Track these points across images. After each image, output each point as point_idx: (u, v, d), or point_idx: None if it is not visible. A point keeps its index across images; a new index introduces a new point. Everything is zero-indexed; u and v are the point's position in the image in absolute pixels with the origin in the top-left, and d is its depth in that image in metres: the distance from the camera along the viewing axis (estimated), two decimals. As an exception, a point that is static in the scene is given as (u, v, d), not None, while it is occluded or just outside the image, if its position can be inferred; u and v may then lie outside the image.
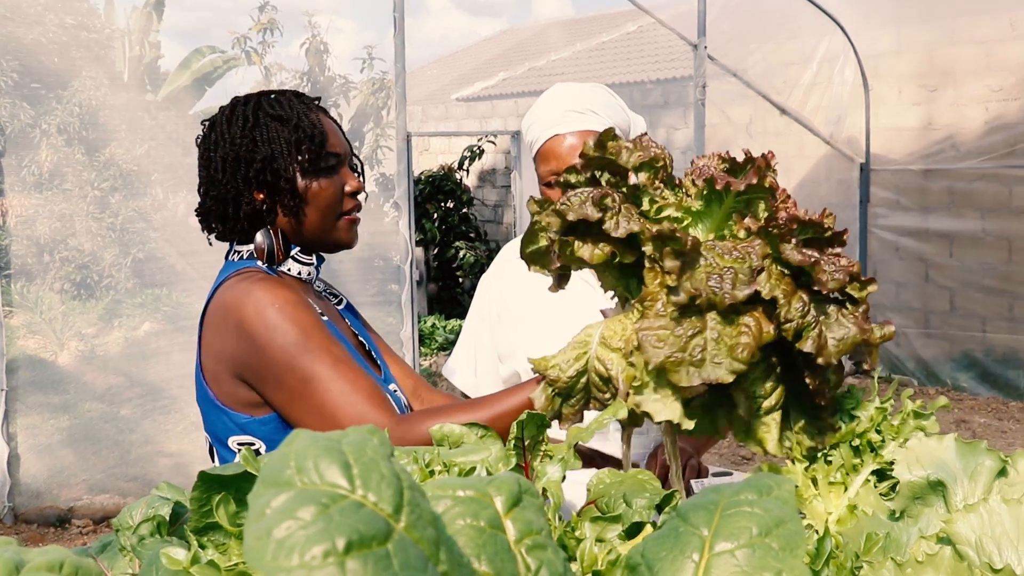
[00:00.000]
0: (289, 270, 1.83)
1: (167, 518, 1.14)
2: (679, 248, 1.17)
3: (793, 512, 0.71)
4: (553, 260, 1.26)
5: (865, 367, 1.31)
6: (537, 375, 1.56)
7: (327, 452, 0.49)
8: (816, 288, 1.19)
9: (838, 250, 1.24)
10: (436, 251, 9.84)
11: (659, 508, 1.14)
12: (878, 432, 1.34)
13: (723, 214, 1.23)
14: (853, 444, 1.34)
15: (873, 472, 1.42)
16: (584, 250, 1.20)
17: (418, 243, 9.15)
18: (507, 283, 2.30)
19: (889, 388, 1.44)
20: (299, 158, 1.78)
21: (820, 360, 1.20)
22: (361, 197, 1.88)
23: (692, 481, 1.96)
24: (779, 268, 1.20)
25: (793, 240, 1.20)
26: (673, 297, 1.17)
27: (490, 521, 0.60)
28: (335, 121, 1.89)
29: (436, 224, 9.84)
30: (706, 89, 6.57)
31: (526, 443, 1.24)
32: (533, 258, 1.31)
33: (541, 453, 1.26)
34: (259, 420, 1.75)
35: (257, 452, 1.77)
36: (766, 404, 1.26)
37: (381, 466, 0.49)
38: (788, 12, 7.56)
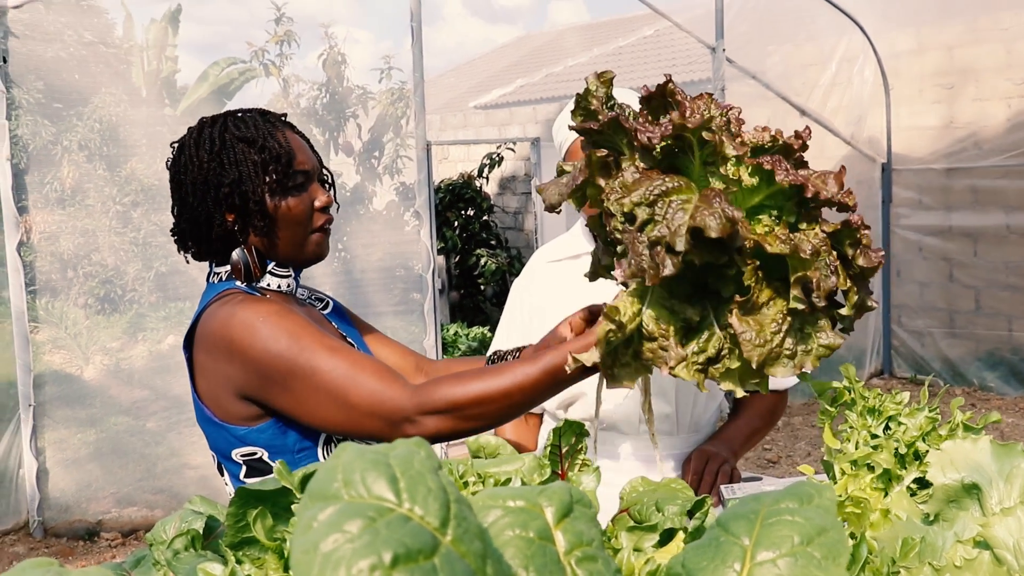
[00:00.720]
0: (268, 285, 1.86)
1: (201, 532, 1.14)
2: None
3: (835, 520, 0.70)
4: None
5: None
6: (554, 345, 1.56)
7: (374, 465, 0.49)
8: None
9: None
10: (457, 259, 9.84)
11: (690, 514, 1.14)
12: (924, 441, 1.33)
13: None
14: (899, 452, 1.33)
15: (914, 480, 1.40)
16: None
17: (439, 251, 9.16)
18: (538, 288, 2.31)
19: (936, 396, 1.43)
20: (267, 179, 1.80)
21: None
22: (333, 210, 1.91)
23: (722, 487, 1.95)
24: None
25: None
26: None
27: (540, 532, 0.59)
28: (303, 136, 1.91)
29: (457, 232, 9.84)
30: (725, 92, 6.55)
31: (563, 451, 1.24)
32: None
33: (579, 463, 1.26)
34: (257, 429, 1.78)
35: (260, 460, 1.80)
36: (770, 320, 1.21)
37: (428, 479, 0.49)
38: (806, 13, 7.54)
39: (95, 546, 5.16)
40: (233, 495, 0.99)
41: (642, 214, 1.12)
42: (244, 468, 1.82)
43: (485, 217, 10.13)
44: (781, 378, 1.22)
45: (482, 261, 9.54)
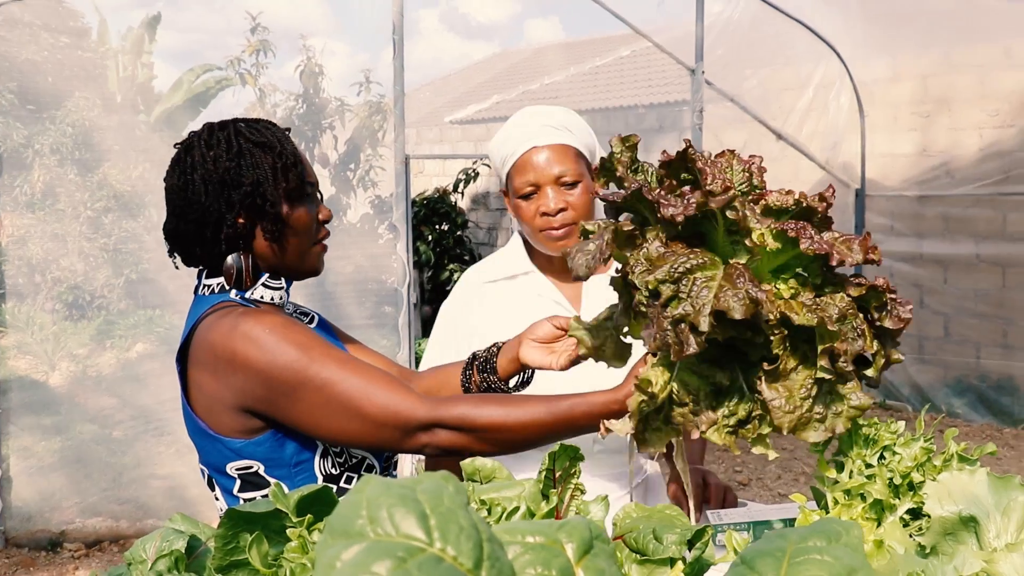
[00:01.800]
0: (262, 297, 1.84)
1: (184, 553, 1.10)
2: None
3: (863, 559, 0.68)
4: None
5: None
6: (569, 395, 1.57)
7: (402, 500, 0.46)
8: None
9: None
10: (431, 273, 9.81)
11: (690, 544, 1.11)
12: (919, 471, 1.31)
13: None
14: (893, 482, 1.31)
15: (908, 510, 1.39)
16: None
17: (413, 266, 9.12)
18: (475, 310, 2.28)
19: (931, 426, 1.41)
20: (284, 184, 1.80)
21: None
22: (328, 225, 1.92)
23: (708, 511, 1.93)
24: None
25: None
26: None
27: (562, 570, 0.57)
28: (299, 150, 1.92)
29: (431, 247, 9.82)
30: (703, 114, 6.57)
31: (557, 474, 1.21)
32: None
33: (572, 487, 1.23)
34: (254, 442, 1.75)
35: (256, 473, 1.77)
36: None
37: (459, 516, 0.46)
38: (784, 38, 7.58)
39: (58, 557, 5.06)
40: (222, 516, 0.96)
41: (667, 291, 1.15)
42: (238, 482, 1.78)
43: (459, 232, 10.11)
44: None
45: (455, 276, 9.52)
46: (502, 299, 2.24)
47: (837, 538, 0.70)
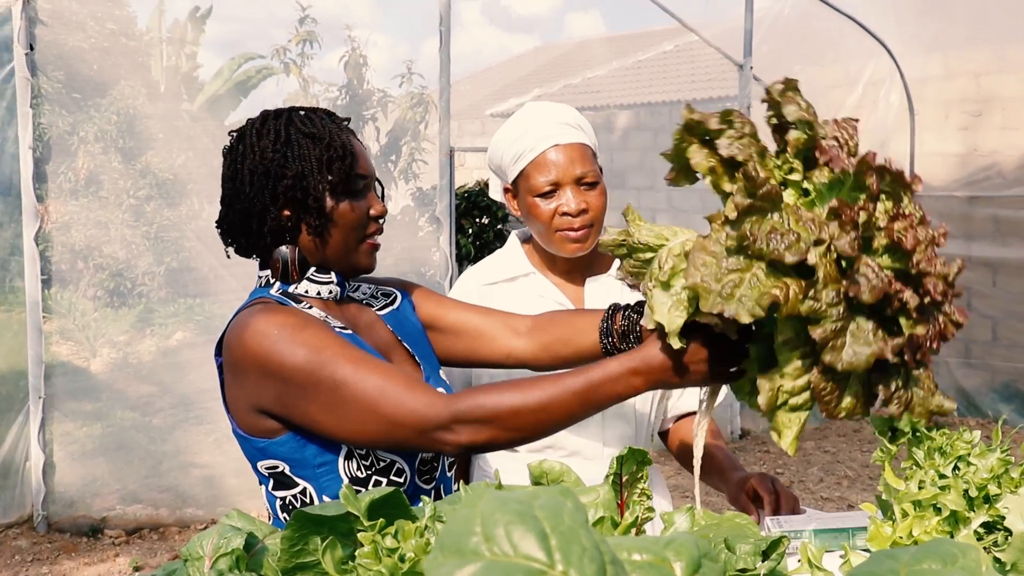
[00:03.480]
0: (307, 292, 1.80)
1: (243, 551, 1.07)
2: (751, 189, 1.22)
3: (982, 584, 0.64)
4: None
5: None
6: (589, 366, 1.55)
7: (520, 518, 0.42)
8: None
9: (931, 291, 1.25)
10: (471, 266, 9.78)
11: (765, 555, 1.07)
12: (996, 483, 1.26)
13: (844, 192, 1.26)
14: (968, 493, 1.26)
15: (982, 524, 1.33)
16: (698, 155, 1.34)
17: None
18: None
19: (1007, 436, 1.36)
20: (328, 177, 1.75)
21: (827, 359, 1.21)
22: (383, 221, 1.85)
23: (768, 518, 1.88)
24: (835, 256, 1.22)
25: (877, 245, 1.25)
26: (728, 230, 1.24)
27: (672, 592, 0.53)
28: (362, 144, 1.87)
29: (471, 240, 9.79)
30: (751, 110, 6.49)
31: (624, 479, 1.17)
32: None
33: (638, 491, 1.19)
34: (276, 443, 1.72)
35: (283, 473, 1.74)
36: (790, 387, 1.28)
37: (581, 537, 0.43)
38: (834, 34, 7.48)
39: (98, 543, 5.09)
40: (290, 518, 0.93)
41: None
42: (271, 481, 1.76)
43: (500, 226, 10.07)
44: None
45: (494, 270, 9.46)
46: (504, 301, 2.18)
47: (953, 561, 0.65)
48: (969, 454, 1.43)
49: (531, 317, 1.94)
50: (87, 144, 5.77)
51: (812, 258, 1.21)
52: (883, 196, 1.29)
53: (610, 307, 1.80)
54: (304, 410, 1.65)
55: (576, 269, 2.25)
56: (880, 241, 1.25)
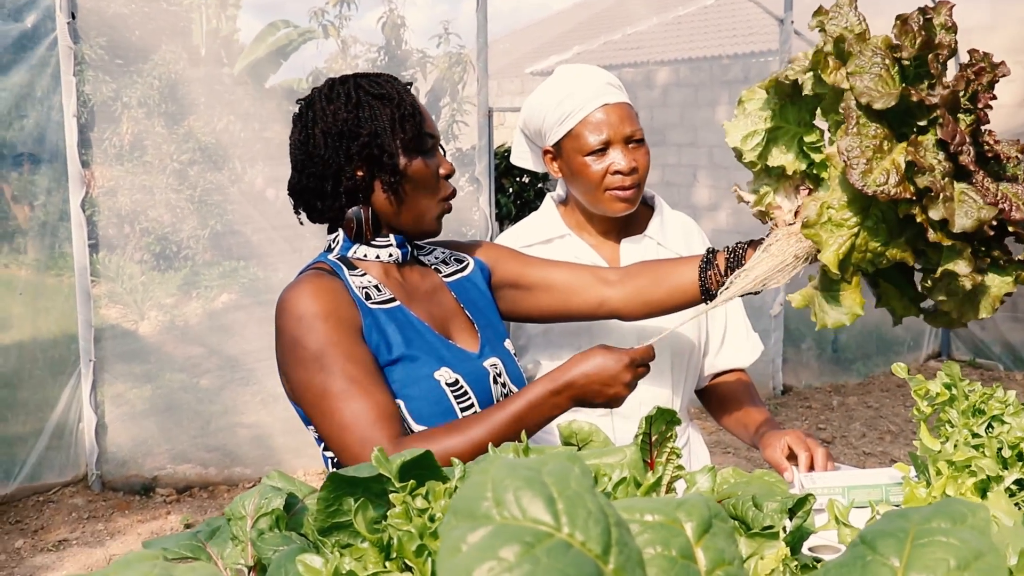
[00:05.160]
0: (365, 256, 1.85)
1: (283, 511, 1.11)
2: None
3: (991, 543, 0.65)
4: None
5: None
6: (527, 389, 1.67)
7: (528, 483, 0.45)
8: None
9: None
10: (511, 226, 9.78)
11: (791, 513, 1.09)
12: (1031, 441, 1.27)
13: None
14: (1001, 452, 1.27)
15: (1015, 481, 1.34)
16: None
17: (495, 219, 9.12)
18: None
19: (997, 381, 1.36)
20: (401, 136, 1.79)
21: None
22: (452, 181, 1.90)
23: (801, 475, 1.90)
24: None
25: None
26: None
27: (681, 550, 0.55)
28: (423, 105, 1.89)
29: (511, 199, 9.79)
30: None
31: (653, 439, 1.19)
32: None
33: (668, 450, 1.21)
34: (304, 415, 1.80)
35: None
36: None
37: (587, 500, 0.45)
38: (877, -15, 7.34)
39: (151, 501, 5.22)
40: (326, 479, 0.96)
41: None
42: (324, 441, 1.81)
43: (540, 185, 10.06)
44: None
45: (535, 229, 9.45)
46: None
47: (963, 520, 0.67)
48: (1003, 413, 1.43)
49: (620, 268, 2.00)
50: (130, 110, 5.83)
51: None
52: None
53: (708, 249, 1.86)
54: (298, 400, 1.75)
55: (612, 230, 2.27)
56: None
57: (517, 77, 12.17)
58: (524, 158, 2.34)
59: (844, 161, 1.39)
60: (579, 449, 1.08)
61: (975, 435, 1.39)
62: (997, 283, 1.45)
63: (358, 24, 7.43)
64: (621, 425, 2.18)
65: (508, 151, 10.08)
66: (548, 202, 2.35)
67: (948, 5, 1.46)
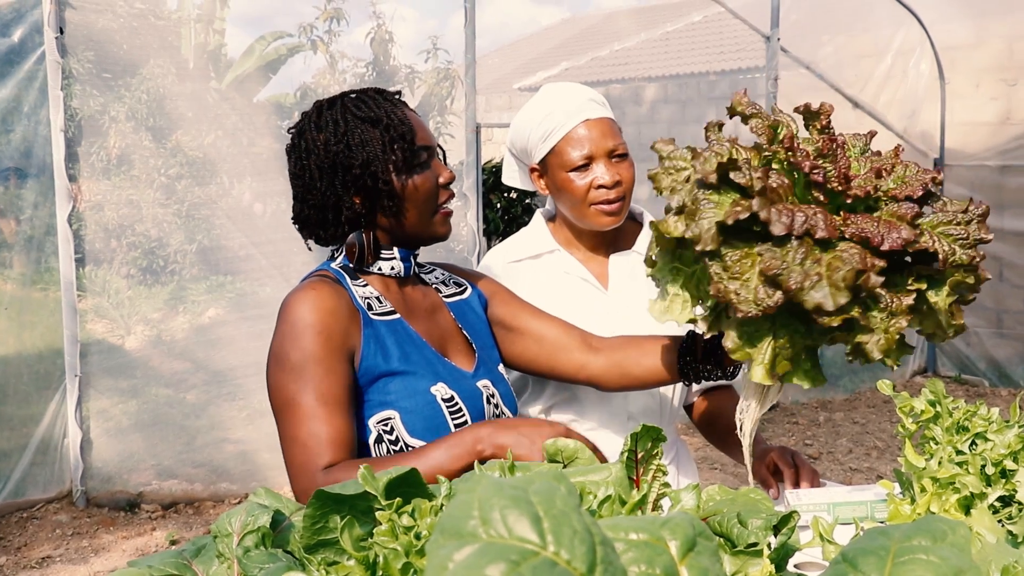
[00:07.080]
0: (369, 267, 1.85)
1: (270, 528, 1.11)
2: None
3: (970, 561, 0.66)
4: None
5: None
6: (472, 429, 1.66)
7: (515, 502, 0.45)
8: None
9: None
10: (499, 241, 9.78)
11: (776, 530, 1.09)
12: (1013, 459, 1.28)
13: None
14: (984, 470, 1.28)
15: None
16: None
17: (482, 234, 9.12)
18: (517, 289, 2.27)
19: (981, 397, 1.37)
20: (393, 158, 1.78)
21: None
22: (452, 186, 1.90)
23: (787, 492, 1.91)
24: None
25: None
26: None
27: (666, 569, 0.55)
28: (416, 114, 1.88)
29: (499, 215, 9.80)
30: (778, 81, 6.45)
31: (639, 456, 1.20)
32: None
33: (654, 468, 1.21)
34: None
35: None
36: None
37: (572, 519, 0.45)
38: (862, 3, 7.40)
39: (136, 517, 5.19)
40: (312, 496, 0.96)
41: None
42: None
43: (527, 200, 10.07)
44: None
45: (523, 244, 9.44)
46: (529, 278, 2.23)
47: (943, 537, 0.68)
48: (986, 431, 1.44)
49: (607, 338, 2.00)
50: (118, 124, 5.82)
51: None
52: None
53: (688, 332, 1.87)
54: (270, 395, 1.74)
55: (601, 245, 2.28)
56: None
57: (505, 93, 12.21)
58: (514, 177, 2.36)
59: (725, 301, 1.41)
60: (564, 467, 1.08)
61: (959, 452, 1.40)
62: (942, 297, 1.44)
63: (347, 39, 7.45)
64: (609, 439, 2.19)
65: (496, 167, 10.13)
66: (538, 218, 2.36)
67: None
